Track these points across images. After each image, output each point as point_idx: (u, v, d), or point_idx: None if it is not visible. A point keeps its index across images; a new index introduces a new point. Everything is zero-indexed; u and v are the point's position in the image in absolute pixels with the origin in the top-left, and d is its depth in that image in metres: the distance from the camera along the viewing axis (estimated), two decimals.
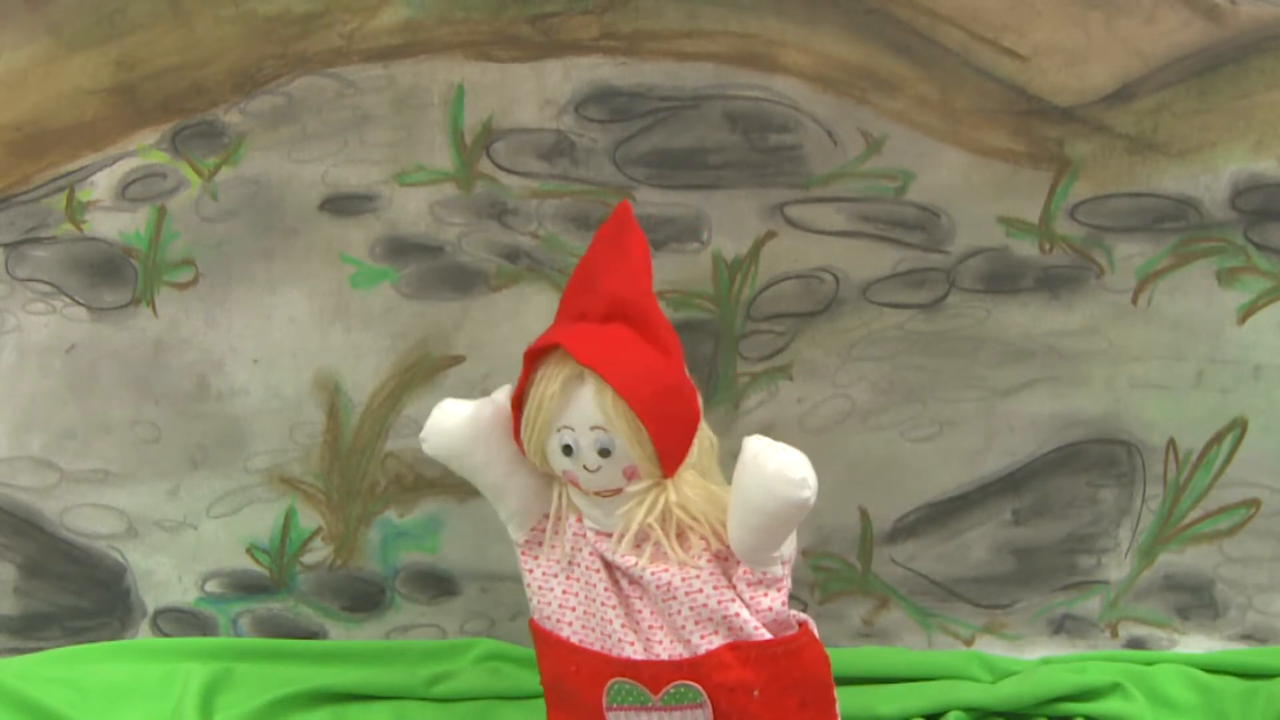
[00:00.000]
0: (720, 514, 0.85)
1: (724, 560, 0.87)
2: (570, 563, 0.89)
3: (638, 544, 0.86)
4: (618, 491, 0.85)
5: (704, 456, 0.88)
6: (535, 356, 0.85)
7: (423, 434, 0.88)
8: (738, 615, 0.85)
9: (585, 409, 0.84)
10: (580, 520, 0.88)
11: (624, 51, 1.02)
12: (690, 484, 0.86)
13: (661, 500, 0.85)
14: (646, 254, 0.87)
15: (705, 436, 0.88)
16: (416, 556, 1.16)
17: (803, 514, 0.81)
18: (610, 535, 0.87)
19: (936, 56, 1.01)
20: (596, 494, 0.86)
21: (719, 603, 0.85)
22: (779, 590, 0.86)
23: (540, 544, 0.90)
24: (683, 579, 0.85)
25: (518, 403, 0.86)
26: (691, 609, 0.85)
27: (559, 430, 0.85)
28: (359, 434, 1.13)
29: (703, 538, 0.86)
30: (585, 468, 0.85)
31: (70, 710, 1.06)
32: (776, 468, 0.80)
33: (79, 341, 1.12)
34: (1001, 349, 1.08)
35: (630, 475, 0.85)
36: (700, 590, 0.85)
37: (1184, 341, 1.07)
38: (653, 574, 0.85)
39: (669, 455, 0.84)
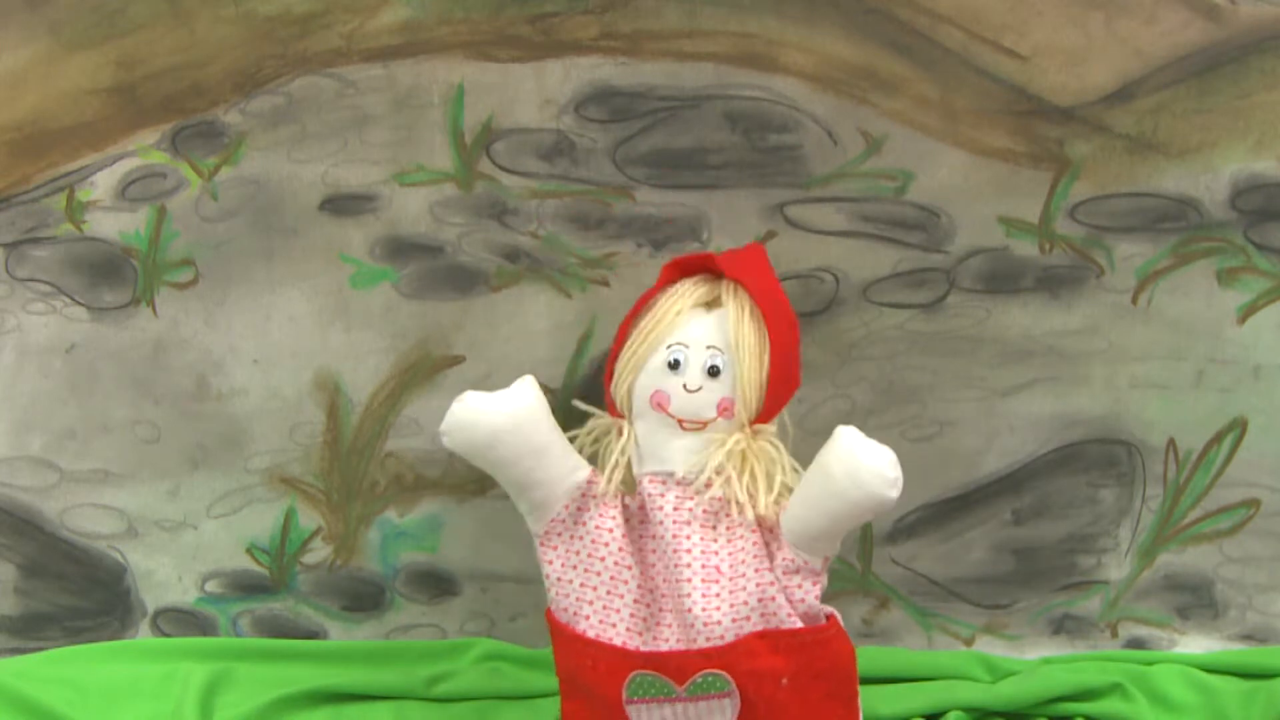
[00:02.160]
0: (788, 481, 0.85)
1: (768, 534, 0.86)
2: (593, 555, 0.88)
3: (696, 491, 0.85)
4: (704, 425, 0.85)
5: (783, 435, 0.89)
6: (673, 271, 0.86)
7: (443, 428, 0.86)
8: (774, 599, 0.84)
9: (710, 328, 0.84)
10: (610, 503, 0.88)
11: (624, 51, 1.02)
12: (773, 441, 0.86)
13: (742, 445, 0.85)
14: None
15: (784, 419, 0.89)
16: (416, 556, 1.16)
17: (881, 512, 0.82)
18: (668, 480, 0.86)
19: (936, 56, 1.01)
20: (682, 421, 0.85)
21: (758, 585, 0.84)
22: (815, 584, 0.86)
23: (560, 534, 0.89)
24: (730, 563, 0.85)
25: (627, 324, 0.86)
26: (731, 593, 0.84)
27: (669, 347, 0.84)
28: (359, 434, 1.13)
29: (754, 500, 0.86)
30: (685, 387, 0.84)
31: (70, 710, 1.06)
32: (874, 461, 0.82)
33: (79, 341, 1.12)
34: (1001, 349, 1.08)
35: (723, 411, 0.84)
36: (743, 574, 0.84)
37: (1184, 341, 1.07)
38: (702, 552, 0.85)
39: (777, 392, 0.84)
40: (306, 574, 1.17)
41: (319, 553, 1.17)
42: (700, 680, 0.84)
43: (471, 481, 1.13)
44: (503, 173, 1.06)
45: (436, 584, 1.17)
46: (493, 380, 1.10)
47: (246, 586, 1.18)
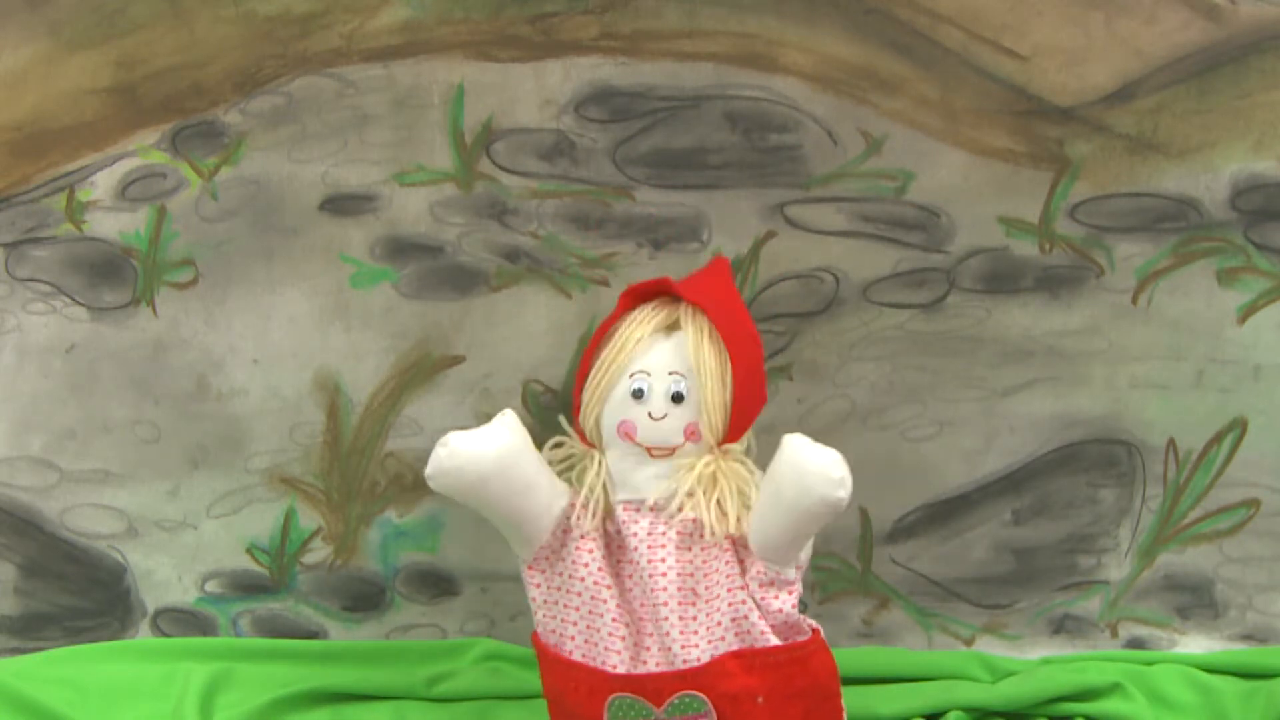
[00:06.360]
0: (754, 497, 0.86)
1: (742, 549, 0.86)
2: (573, 577, 0.88)
3: (669, 516, 0.86)
4: (672, 452, 0.85)
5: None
6: (630, 299, 0.87)
7: (429, 473, 0.85)
8: (747, 618, 0.85)
9: (671, 353, 0.85)
10: (594, 532, 0.88)
11: (624, 51, 1.02)
12: (741, 459, 0.87)
13: (712, 468, 0.85)
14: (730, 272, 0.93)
15: (749, 435, 0.89)
16: (416, 556, 1.16)
17: (834, 515, 0.82)
18: (640, 507, 0.86)
19: (936, 56, 1.01)
20: (650, 449, 0.85)
21: (730, 604, 0.85)
22: (790, 593, 0.86)
23: (547, 559, 0.90)
24: (705, 584, 0.85)
25: (589, 355, 0.86)
26: (708, 614, 0.85)
27: (632, 375, 0.84)
28: (359, 434, 1.13)
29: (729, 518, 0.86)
30: (650, 415, 0.84)
31: (70, 710, 1.06)
32: (818, 465, 0.81)
33: (79, 341, 1.12)
34: (1001, 349, 1.08)
35: (690, 435, 0.85)
36: (717, 595, 0.85)
37: (1184, 341, 1.07)
38: (679, 575, 0.86)
39: (742, 411, 0.85)
40: (306, 574, 1.17)
41: (319, 553, 1.17)
42: (677, 701, 0.85)
43: None
44: (503, 173, 1.06)
45: (436, 584, 1.17)
46: (493, 380, 1.10)
47: (246, 586, 1.18)
